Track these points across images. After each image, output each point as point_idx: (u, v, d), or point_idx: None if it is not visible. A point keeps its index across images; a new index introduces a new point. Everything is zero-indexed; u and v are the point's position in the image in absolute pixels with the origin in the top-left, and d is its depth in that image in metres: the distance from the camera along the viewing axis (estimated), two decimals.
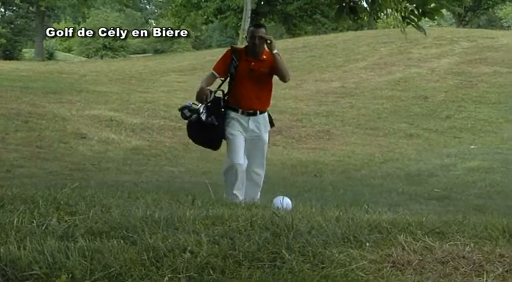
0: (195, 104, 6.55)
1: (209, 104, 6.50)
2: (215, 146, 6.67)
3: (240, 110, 6.49)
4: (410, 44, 22.91)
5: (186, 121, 6.59)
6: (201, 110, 6.45)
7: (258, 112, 6.54)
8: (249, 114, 6.51)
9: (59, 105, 14.73)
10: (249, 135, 6.45)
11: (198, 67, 23.30)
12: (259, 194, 6.45)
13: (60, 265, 1.96)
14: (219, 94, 6.71)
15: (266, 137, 6.60)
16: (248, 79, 6.51)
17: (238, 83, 6.55)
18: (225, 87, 6.81)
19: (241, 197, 6.02)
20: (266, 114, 6.60)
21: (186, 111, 6.45)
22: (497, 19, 49.47)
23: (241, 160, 6.35)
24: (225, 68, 6.58)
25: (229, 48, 6.95)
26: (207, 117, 6.46)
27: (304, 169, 11.25)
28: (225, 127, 6.47)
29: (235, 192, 6.17)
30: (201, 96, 6.39)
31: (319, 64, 22.61)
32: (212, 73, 6.60)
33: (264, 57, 6.57)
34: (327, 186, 9.19)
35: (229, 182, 6.34)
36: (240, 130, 6.45)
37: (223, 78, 6.68)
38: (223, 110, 6.53)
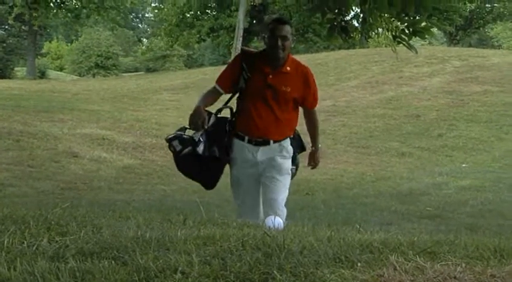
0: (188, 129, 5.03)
1: (208, 130, 4.95)
2: (210, 185, 5.11)
3: (247, 138, 4.86)
4: (401, 63, 23.02)
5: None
6: (198, 139, 4.88)
7: (272, 142, 4.85)
8: (258, 144, 4.85)
9: (50, 124, 14.71)
10: (261, 167, 4.84)
11: (190, 86, 23.34)
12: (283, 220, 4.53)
13: None
14: (224, 112, 5.12)
15: (285, 162, 4.85)
16: (263, 97, 4.83)
17: (249, 102, 4.89)
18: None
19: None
20: (287, 140, 4.90)
21: (175, 143, 4.89)
22: (488, 38, 49.76)
23: (258, 219, 4.45)
24: (232, 80, 4.95)
25: (240, 52, 5.19)
26: (207, 148, 4.91)
27: (296, 187, 11.23)
28: (230, 167, 4.94)
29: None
30: (195, 121, 4.83)
31: None
32: (214, 87, 5.03)
33: (288, 69, 4.85)
34: (319, 205, 9.18)
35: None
36: (250, 172, 4.84)
37: (230, 94, 5.09)
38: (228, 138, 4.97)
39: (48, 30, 52.77)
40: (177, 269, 2.06)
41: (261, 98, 4.85)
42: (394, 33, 6.98)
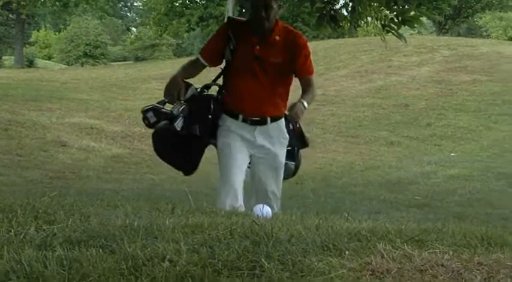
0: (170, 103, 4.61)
1: (185, 105, 4.50)
2: (189, 170, 4.76)
3: (241, 117, 4.43)
4: (390, 52, 23.02)
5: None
6: (177, 114, 4.48)
7: (269, 119, 4.45)
8: (255, 123, 4.43)
9: (39, 113, 14.65)
10: (257, 152, 4.46)
11: None
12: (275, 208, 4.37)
13: (38, 274, 1.94)
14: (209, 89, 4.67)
15: (283, 153, 4.52)
16: (251, 70, 4.41)
17: (237, 76, 4.46)
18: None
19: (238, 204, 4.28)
20: (282, 121, 4.50)
21: (150, 114, 4.53)
22: (477, 27, 49.84)
23: (238, 200, 4.27)
24: (217, 51, 4.51)
25: (227, 21, 4.80)
26: (186, 125, 4.47)
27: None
28: (218, 137, 4.49)
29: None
30: (170, 92, 4.46)
31: None
32: (197, 59, 4.62)
33: (277, 38, 4.43)
34: (308, 194, 9.20)
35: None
36: (240, 142, 4.43)
37: (217, 66, 4.61)
38: (212, 116, 4.48)
39: (36, 19, 52.52)
40: (165, 257, 2.06)
41: (250, 71, 4.45)
42: (383, 22, 6.98)
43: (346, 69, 22.64)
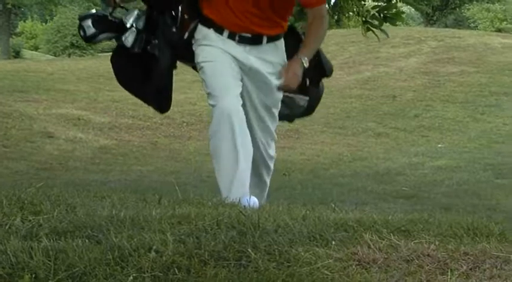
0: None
1: (140, 13, 3.50)
2: (160, 104, 3.80)
3: (227, 32, 3.48)
4: (378, 43, 23.01)
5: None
6: (129, 24, 3.45)
7: (265, 39, 3.52)
8: (245, 41, 3.49)
9: (25, 103, 14.58)
10: (248, 80, 3.54)
11: None
12: (266, 190, 3.82)
13: (24, 265, 1.94)
14: None
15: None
16: None
17: None
18: None
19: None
20: (282, 41, 3.59)
21: (87, 24, 3.53)
22: (465, 19, 49.94)
23: (234, 97, 3.41)
24: None
25: None
26: (140, 40, 3.47)
27: (273, 168, 11.26)
28: (197, 54, 3.52)
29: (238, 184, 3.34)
30: None
31: None
32: None
33: None
34: (295, 185, 9.21)
35: (223, 159, 3.46)
36: (229, 58, 3.46)
37: None
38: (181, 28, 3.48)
39: (22, 10, 52.19)
40: (152, 248, 2.06)
41: None
42: (364, 18, 6.98)
43: (334, 61, 22.49)
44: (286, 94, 3.61)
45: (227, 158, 3.43)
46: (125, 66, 3.64)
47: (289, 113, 3.84)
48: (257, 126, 3.63)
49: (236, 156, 3.39)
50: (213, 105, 3.53)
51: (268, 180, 3.86)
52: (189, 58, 3.62)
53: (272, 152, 3.78)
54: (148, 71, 3.55)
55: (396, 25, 8.96)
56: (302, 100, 3.81)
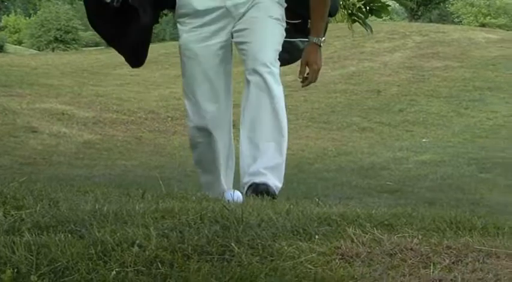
0: None
1: None
2: (129, 53, 3.71)
3: None
4: (363, 38, 23.06)
5: None
6: None
7: None
8: None
9: (8, 98, 14.51)
10: (232, 26, 3.30)
11: (152, 60, 23.13)
12: (283, 168, 3.41)
13: (6, 260, 1.92)
14: None
15: (276, 8, 3.30)
16: None
17: None
18: None
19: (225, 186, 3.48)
20: None
21: None
22: (449, 14, 50.13)
23: (209, 113, 3.33)
24: None
25: None
26: None
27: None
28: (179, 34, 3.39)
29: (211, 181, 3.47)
30: None
31: None
32: None
33: None
34: None
35: (200, 162, 3.54)
36: (211, 42, 3.30)
37: None
38: None
39: (6, 4, 51.85)
40: (135, 242, 2.05)
41: None
42: (350, 11, 6.99)
43: None
44: (286, 39, 3.41)
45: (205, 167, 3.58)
46: (102, 21, 3.50)
47: (288, 58, 3.64)
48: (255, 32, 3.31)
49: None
50: (188, 116, 3.60)
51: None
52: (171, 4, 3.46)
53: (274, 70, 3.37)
54: (127, 24, 3.41)
55: (382, 17, 8.97)
56: (302, 43, 3.60)
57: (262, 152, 3.25)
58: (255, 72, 3.18)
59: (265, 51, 3.21)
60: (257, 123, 3.27)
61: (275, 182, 3.24)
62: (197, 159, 3.59)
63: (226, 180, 3.53)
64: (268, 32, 3.26)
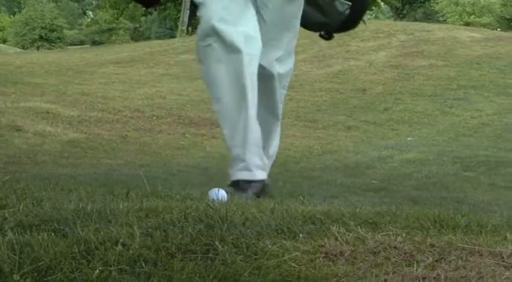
0: None
1: None
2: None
3: None
4: (348, 37, 23.12)
5: None
6: None
7: None
8: None
9: None
10: None
11: (137, 59, 23.11)
12: (278, 131, 3.76)
13: None
14: None
15: None
16: None
17: None
18: None
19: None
20: None
21: None
22: (434, 13, 50.29)
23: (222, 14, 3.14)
24: None
25: None
26: None
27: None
28: None
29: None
30: None
31: None
32: None
33: None
34: None
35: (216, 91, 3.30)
36: None
37: None
38: None
39: None
40: (118, 241, 2.05)
41: None
42: None
43: (304, 54, 22.67)
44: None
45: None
46: None
47: (326, 21, 3.49)
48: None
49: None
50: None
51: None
52: None
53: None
54: None
55: (372, 10, 8.98)
56: (343, 5, 3.42)
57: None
58: None
59: None
60: None
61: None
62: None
63: None
64: None
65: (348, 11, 3.44)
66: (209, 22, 3.12)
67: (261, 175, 3.40)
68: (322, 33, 3.62)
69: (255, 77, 3.23)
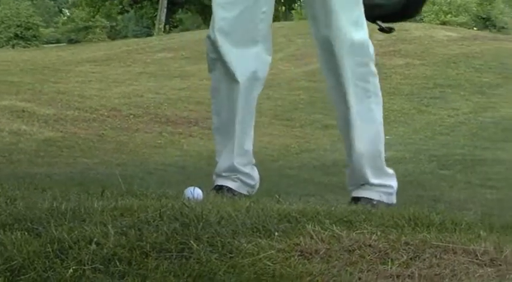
0: None
1: None
2: None
3: None
4: None
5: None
6: None
7: None
8: None
9: None
10: None
11: (113, 57, 23.00)
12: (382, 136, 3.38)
13: None
14: None
15: None
16: None
17: None
18: None
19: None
20: None
21: None
22: None
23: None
24: None
25: None
26: None
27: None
28: None
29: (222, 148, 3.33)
30: None
31: None
32: None
33: None
34: None
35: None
36: None
37: None
38: None
39: None
40: (92, 240, 2.04)
41: None
42: None
43: (282, 53, 22.69)
44: None
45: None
46: None
47: (382, 2, 3.32)
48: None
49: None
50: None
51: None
52: None
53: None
54: None
55: None
56: None
57: None
58: None
59: None
60: None
61: None
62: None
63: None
64: None
65: None
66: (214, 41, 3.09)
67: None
68: (381, 26, 3.46)
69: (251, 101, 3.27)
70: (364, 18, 3.13)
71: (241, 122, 3.30)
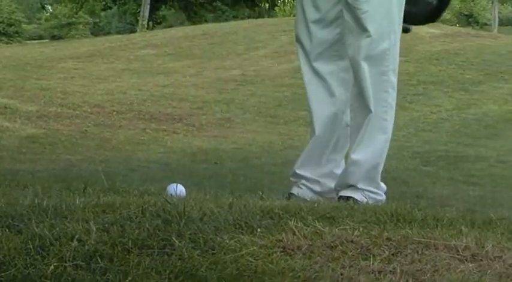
0: None
1: None
2: None
3: None
4: None
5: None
6: None
7: None
8: None
9: None
10: None
11: (96, 54, 22.90)
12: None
13: None
14: None
15: None
16: None
17: None
18: None
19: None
20: None
21: None
22: None
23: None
24: None
25: None
26: None
27: (204, 157, 11.23)
28: None
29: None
30: None
31: (220, 52, 22.59)
32: None
33: None
34: (227, 174, 9.20)
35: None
36: None
37: None
38: None
39: None
40: (74, 237, 2.03)
41: None
42: None
43: (265, 50, 22.69)
44: None
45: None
46: None
47: (410, 9, 3.27)
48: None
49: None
50: None
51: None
52: None
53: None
54: None
55: None
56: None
57: None
58: None
59: None
60: None
61: None
62: None
63: None
64: None
65: (435, 1, 3.35)
66: None
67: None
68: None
69: None
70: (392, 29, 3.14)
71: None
